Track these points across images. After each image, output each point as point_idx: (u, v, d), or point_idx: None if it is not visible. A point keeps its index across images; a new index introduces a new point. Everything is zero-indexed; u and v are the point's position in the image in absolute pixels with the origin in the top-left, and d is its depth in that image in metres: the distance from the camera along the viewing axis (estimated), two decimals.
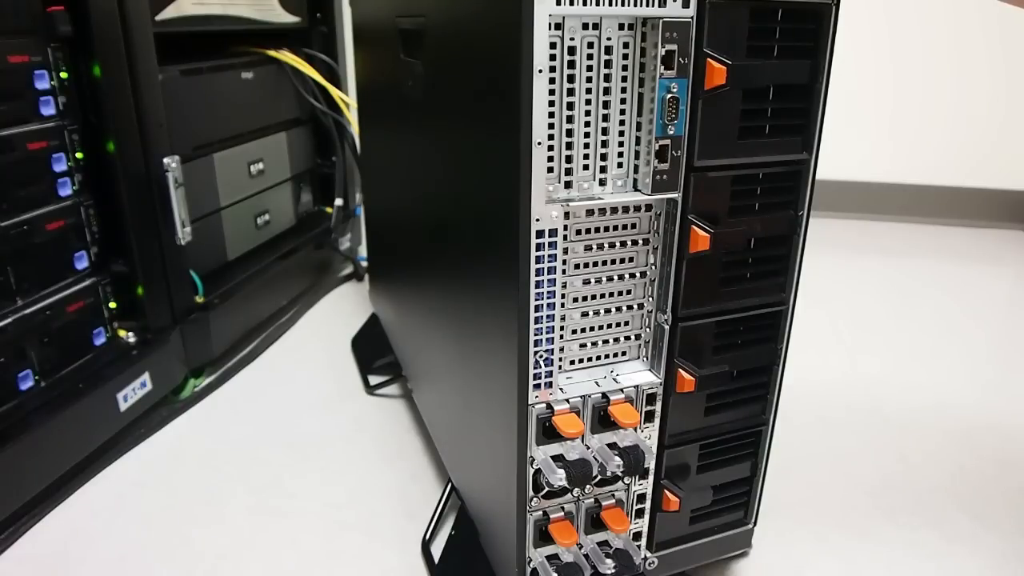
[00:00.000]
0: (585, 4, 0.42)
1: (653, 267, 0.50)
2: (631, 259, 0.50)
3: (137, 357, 0.84)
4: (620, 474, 0.50)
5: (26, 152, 0.71)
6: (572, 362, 0.51)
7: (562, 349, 0.50)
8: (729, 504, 0.59)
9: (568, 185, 0.46)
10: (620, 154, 0.47)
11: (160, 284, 0.88)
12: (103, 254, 0.82)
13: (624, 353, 0.52)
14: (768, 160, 0.48)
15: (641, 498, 0.55)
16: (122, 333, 0.86)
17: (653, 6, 0.43)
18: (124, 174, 0.81)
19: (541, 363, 0.47)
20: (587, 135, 0.45)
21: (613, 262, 0.49)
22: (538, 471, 0.50)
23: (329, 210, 1.31)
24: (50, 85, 0.73)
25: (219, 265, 1.04)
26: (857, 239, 1.62)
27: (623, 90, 0.46)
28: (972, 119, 1.67)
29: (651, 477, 0.55)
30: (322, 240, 1.28)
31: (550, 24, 0.41)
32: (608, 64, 0.45)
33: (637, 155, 0.47)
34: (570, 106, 0.44)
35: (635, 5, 0.42)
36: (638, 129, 0.46)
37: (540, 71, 0.41)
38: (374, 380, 0.94)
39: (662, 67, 0.44)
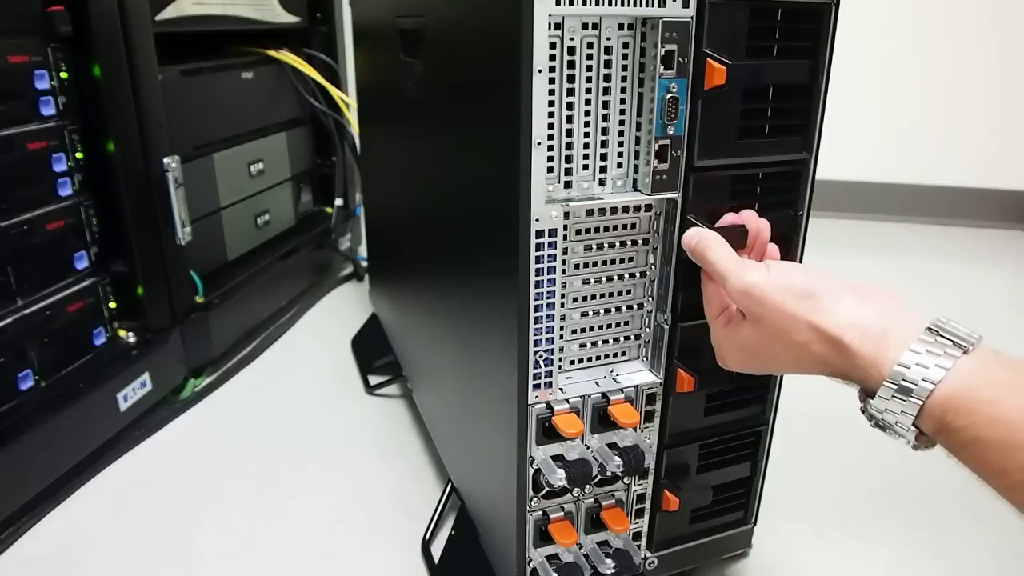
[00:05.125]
0: (585, 4, 0.42)
1: (653, 267, 0.50)
2: (631, 259, 0.50)
3: (137, 357, 0.84)
4: (620, 474, 0.50)
5: (26, 152, 0.71)
6: (572, 362, 0.51)
7: (562, 349, 0.50)
8: (729, 504, 0.59)
9: (568, 185, 0.46)
10: (620, 154, 0.47)
11: (160, 284, 0.87)
12: (103, 254, 0.82)
13: (624, 353, 0.52)
14: (768, 160, 0.48)
15: (641, 498, 0.55)
16: (122, 333, 0.86)
17: (653, 6, 0.43)
18: (124, 174, 0.81)
19: (541, 363, 0.47)
20: (587, 135, 0.46)
21: (613, 262, 0.49)
22: (538, 471, 0.50)
23: (329, 210, 1.31)
24: (50, 85, 0.73)
25: (219, 265, 1.04)
26: (857, 239, 1.62)
27: (623, 90, 0.46)
28: (972, 119, 1.67)
29: (651, 477, 0.55)
30: (322, 240, 1.28)
31: (550, 24, 0.41)
32: (608, 64, 0.45)
33: (637, 155, 0.47)
34: (570, 106, 0.44)
35: (635, 5, 0.42)
36: (638, 129, 0.46)
37: (540, 71, 0.41)
38: (374, 380, 0.94)
39: (662, 67, 0.44)
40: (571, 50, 0.43)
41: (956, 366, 0.37)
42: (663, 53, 0.43)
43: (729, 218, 0.48)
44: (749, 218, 0.48)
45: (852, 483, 0.76)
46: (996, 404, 0.35)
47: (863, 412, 0.41)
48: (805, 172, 0.50)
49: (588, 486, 0.53)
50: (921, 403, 0.37)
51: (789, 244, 0.51)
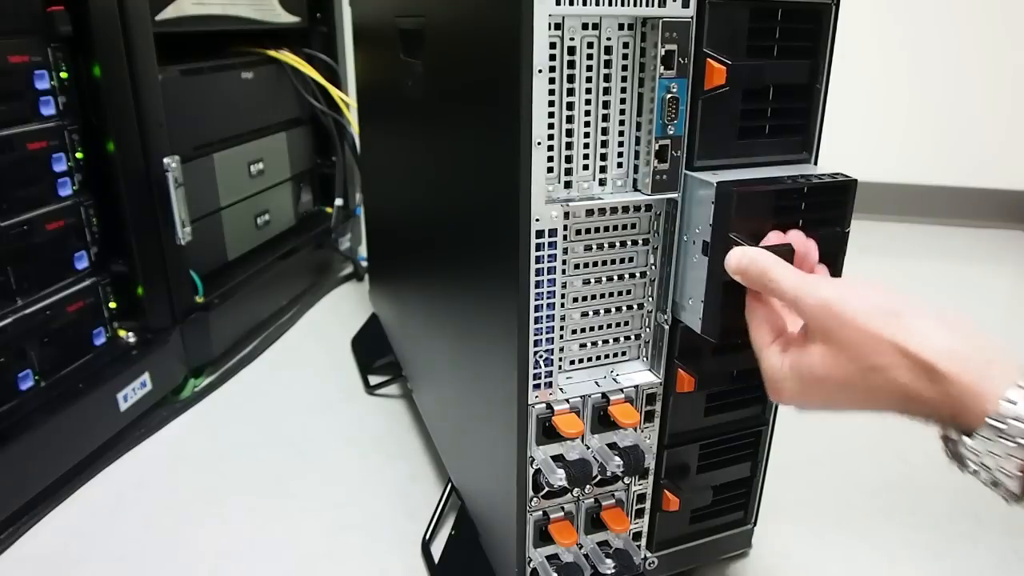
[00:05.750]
0: (585, 4, 0.42)
1: (653, 267, 0.50)
2: (631, 259, 0.50)
3: (137, 357, 0.84)
4: (620, 474, 0.50)
5: (26, 152, 0.71)
6: (572, 362, 0.51)
7: (562, 349, 0.50)
8: (729, 504, 0.59)
9: (568, 185, 0.46)
10: (620, 154, 0.47)
11: (160, 284, 0.87)
12: (103, 254, 0.82)
13: (624, 353, 0.52)
14: (768, 160, 0.48)
15: (641, 498, 0.55)
16: (122, 333, 0.86)
17: (653, 6, 0.43)
18: (124, 174, 0.81)
19: (541, 363, 0.47)
20: (587, 135, 0.46)
21: (613, 262, 0.49)
22: (538, 471, 0.50)
23: (329, 210, 1.31)
24: (50, 85, 0.73)
25: (219, 265, 1.04)
26: (857, 239, 1.61)
27: (623, 90, 0.46)
28: (973, 119, 1.67)
29: (651, 477, 0.55)
30: (322, 240, 1.28)
31: (550, 24, 0.41)
32: (608, 64, 0.45)
33: (637, 155, 0.47)
34: (570, 106, 0.44)
35: (635, 5, 0.42)
36: (638, 129, 0.46)
37: (540, 71, 0.41)
38: (374, 380, 0.94)
39: (662, 67, 0.44)
40: (571, 50, 0.43)
41: None
42: (663, 53, 0.43)
43: (774, 237, 0.45)
44: (796, 238, 0.45)
45: (852, 483, 0.76)
46: None
47: (950, 454, 0.37)
48: (853, 186, 0.47)
49: (588, 486, 0.53)
50: None
51: (835, 264, 0.48)
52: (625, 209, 0.48)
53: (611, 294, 0.50)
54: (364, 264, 1.29)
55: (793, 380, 0.42)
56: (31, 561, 0.66)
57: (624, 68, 0.45)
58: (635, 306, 0.51)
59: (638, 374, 0.52)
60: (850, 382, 0.39)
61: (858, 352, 0.38)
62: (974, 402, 0.35)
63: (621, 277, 0.50)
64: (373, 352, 0.98)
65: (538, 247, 0.45)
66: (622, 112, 0.46)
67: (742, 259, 0.43)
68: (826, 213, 0.47)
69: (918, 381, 0.36)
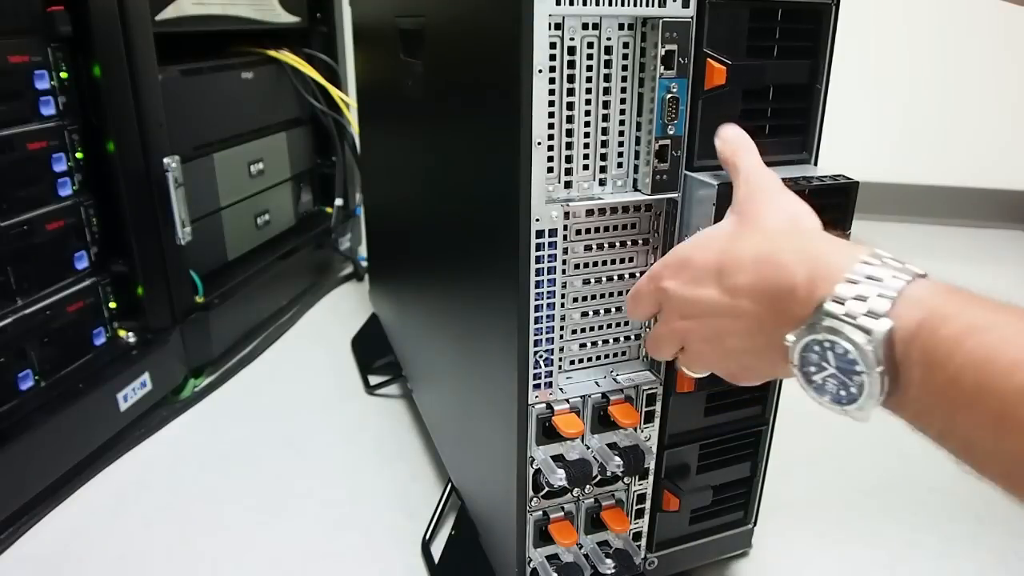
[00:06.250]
0: (585, 4, 0.42)
1: None
2: (631, 259, 0.50)
3: (137, 357, 0.84)
4: (620, 474, 0.50)
5: (26, 152, 0.71)
6: (572, 362, 0.51)
7: (562, 349, 0.50)
8: (729, 504, 0.59)
9: (568, 185, 0.46)
10: (620, 154, 0.47)
11: (160, 284, 0.87)
12: (103, 254, 0.82)
13: (624, 353, 0.52)
14: (768, 160, 0.48)
15: (641, 498, 0.55)
16: (122, 333, 0.86)
17: (653, 6, 0.43)
18: (124, 174, 0.81)
19: (541, 363, 0.47)
20: (587, 135, 0.45)
21: (613, 262, 0.49)
22: (538, 471, 0.50)
23: (329, 210, 1.31)
24: (50, 85, 0.73)
25: (219, 265, 1.04)
26: (857, 239, 1.62)
27: (623, 90, 0.46)
28: (972, 119, 1.66)
29: (651, 477, 0.55)
30: (322, 240, 1.28)
31: (550, 24, 0.41)
32: (608, 64, 0.45)
33: (637, 155, 0.47)
34: (570, 106, 0.44)
35: (635, 5, 0.43)
36: (638, 129, 0.46)
37: (540, 71, 0.41)
38: (374, 380, 0.94)
39: (662, 67, 0.44)
40: (571, 50, 0.43)
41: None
42: (663, 53, 0.43)
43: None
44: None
45: (852, 483, 0.76)
46: (988, 320, 0.29)
47: (807, 327, 0.34)
48: (854, 188, 0.47)
49: (588, 486, 0.53)
50: (907, 278, 0.31)
51: None
52: (625, 209, 0.48)
53: (611, 294, 0.50)
54: (364, 264, 1.29)
55: (682, 244, 0.42)
56: (31, 561, 0.66)
57: (624, 68, 0.45)
58: None
59: (638, 374, 0.52)
60: (738, 234, 0.40)
61: (760, 212, 0.40)
62: (851, 248, 0.36)
63: (621, 277, 0.50)
64: (373, 352, 0.98)
65: (538, 247, 0.45)
66: (622, 112, 0.46)
67: (738, 130, 0.44)
68: (827, 215, 0.47)
69: (802, 238, 0.39)
